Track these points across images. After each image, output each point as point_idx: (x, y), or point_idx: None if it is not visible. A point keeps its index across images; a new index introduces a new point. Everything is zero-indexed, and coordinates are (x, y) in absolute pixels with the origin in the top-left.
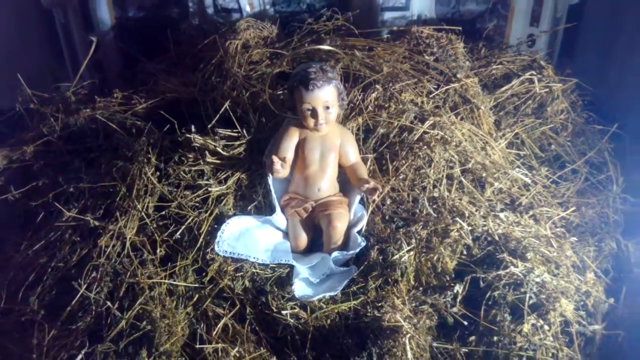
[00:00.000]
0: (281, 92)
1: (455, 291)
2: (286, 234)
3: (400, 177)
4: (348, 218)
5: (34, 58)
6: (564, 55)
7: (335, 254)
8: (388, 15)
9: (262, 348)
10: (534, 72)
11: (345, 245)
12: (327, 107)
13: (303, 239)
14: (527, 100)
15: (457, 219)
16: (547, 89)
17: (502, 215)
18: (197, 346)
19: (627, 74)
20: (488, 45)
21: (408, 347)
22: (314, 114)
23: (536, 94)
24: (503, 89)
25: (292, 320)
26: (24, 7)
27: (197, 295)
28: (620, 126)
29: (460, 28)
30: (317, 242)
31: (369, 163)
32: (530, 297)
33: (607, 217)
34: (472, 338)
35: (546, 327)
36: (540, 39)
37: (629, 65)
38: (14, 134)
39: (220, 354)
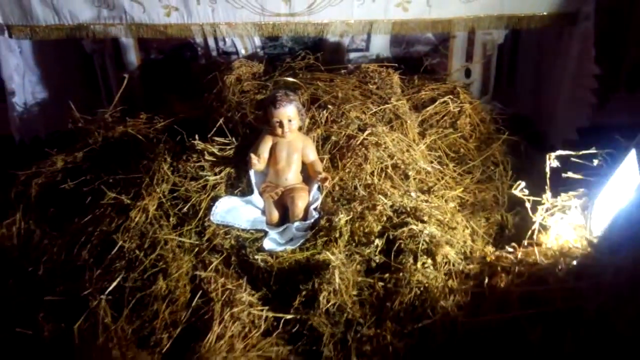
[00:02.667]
0: (260, 112)
1: (376, 244)
2: (263, 212)
3: (346, 171)
4: (307, 199)
5: (76, 92)
6: (505, 84)
7: (296, 223)
8: (352, 55)
9: (241, 281)
10: (451, 97)
11: (304, 218)
12: (290, 120)
13: (275, 215)
14: (444, 117)
15: (382, 197)
16: (459, 109)
17: (413, 194)
18: (197, 273)
19: (545, 97)
20: (430, 77)
21: (336, 275)
22: (281, 125)
23: (451, 112)
24: (428, 108)
25: (262, 264)
26: (69, 53)
27: (197, 249)
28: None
29: (400, 66)
30: (285, 219)
31: (324, 161)
32: (423, 244)
33: (497, 199)
34: (386, 275)
35: (432, 265)
36: (475, 71)
37: (546, 90)
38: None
39: (212, 282)
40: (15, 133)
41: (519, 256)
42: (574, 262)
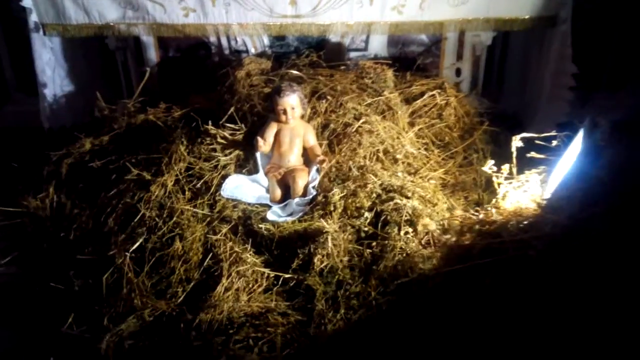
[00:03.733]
0: (267, 102)
1: (365, 217)
2: (267, 189)
3: (342, 155)
4: (307, 179)
5: (98, 86)
6: (496, 81)
7: (297, 199)
8: (352, 54)
9: (246, 246)
10: (439, 91)
11: (304, 195)
12: (293, 108)
13: (278, 192)
14: (431, 108)
15: (373, 177)
16: (445, 102)
17: (400, 174)
18: (208, 236)
19: (529, 95)
20: (422, 74)
21: (329, 240)
22: (285, 112)
23: (438, 104)
24: (417, 101)
25: (265, 232)
26: (93, 50)
27: (208, 219)
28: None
29: (395, 64)
30: (287, 197)
31: (323, 146)
32: (406, 216)
33: (476, 181)
34: (374, 243)
35: (413, 234)
36: (465, 70)
37: (530, 88)
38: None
39: (221, 245)
40: (45, 121)
41: (480, 217)
42: (525, 221)
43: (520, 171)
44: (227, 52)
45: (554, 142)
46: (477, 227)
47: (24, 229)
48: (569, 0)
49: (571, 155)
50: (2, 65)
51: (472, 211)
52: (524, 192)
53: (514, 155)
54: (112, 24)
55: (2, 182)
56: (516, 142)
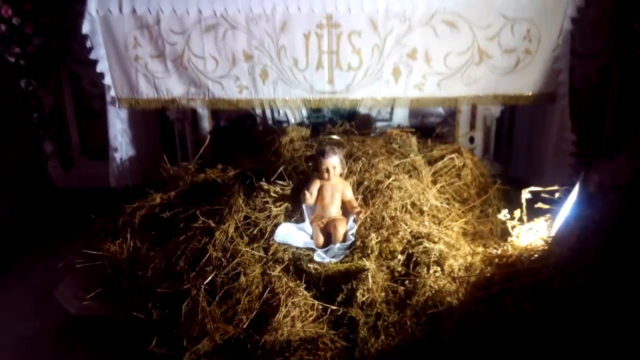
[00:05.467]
0: (310, 163)
1: (399, 259)
2: (311, 236)
3: (376, 207)
4: (346, 227)
5: (156, 152)
6: (506, 147)
7: (338, 245)
8: (379, 124)
9: (298, 282)
10: (456, 154)
11: (344, 241)
12: (334, 167)
13: (321, 239)
14: (451, 169)
15: (403, 225)
16: (462, 163)
17: (426, 224)
18: (268, 272)
19: (535, 160)
20: (440, 141)
21: (370, 277)
22: (327, 171)
23: (456, 166)
24: (438, 163)
25: (313, 271)
26: (152, 120)
27: (264, 259)
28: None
29: (415, 132)
30: (329, 243)
31: (358, 200)
32: (434, 257)
33: (492, 230)
34: (407, 281)
35: (440, 272)
36: (477, 138)
37: (536, 154)
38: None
39: (277, 280)
40: (113, 181)
41: (499, 252)
42: (535, 254)
43: (529, 219)
44: (270, 122)
45: (557, 195)
46: (496, 260)
47: (105, 270)
48: (566, 79)
49: (570, 203)
50: (70, 133)
51: (491, 248)
52: (534, 233)
53: (524, 204)
54: (176, 98)
55: (83, 231)
56: (525, 194)
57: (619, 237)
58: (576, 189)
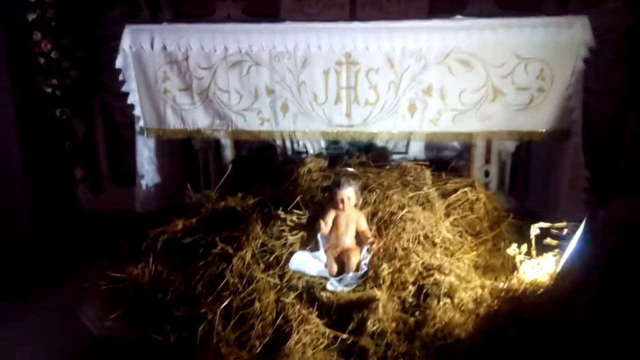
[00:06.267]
0: (326, 193)
1: (409, 290)
2: (325, 265)
3: (389, 238)
4: (359, 257)
5: (179, 179)
6: (522, 182)
7: (351, 274)
8: (395, 157)
9: (310, 309)
10: (470, 188)
11: (357, 271)
12: (349, 198)
13: (335, 268)
14: (464, 202)
15: (415, 256)
16: (476, 197)
17: (438, 256)
18: (281, 299)
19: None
20: (455, 174)
21: (380, 307)
22: (342, 201)
23: (470, 199)
24: (452, 196)
25: (325, 299)
26: (177, 149)
27: (279, 287)
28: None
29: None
30: (342, 272)
31: (372, 230)
32: (444, 289)
33: (504, 264)
34: (417, 312)
35: (450, 305)
36: (492, 172)
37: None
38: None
39: (290, 307)
40: (138, 207)
41: (505, 287)
42: (540, 289)
43: (538, 254)
44: (289, 152)
45: (565, 231)
46: (502, 294)
47: (127, 292)
48: (579, 117)
49: (576, 240)
50: (100, 160)
51: (499, 282)
52: (540, 268)
53: (533, 239)
54: (201, 129)
55: (108, 254)
56: (534, 229)
57: (620, 274)
58: (582, 226)
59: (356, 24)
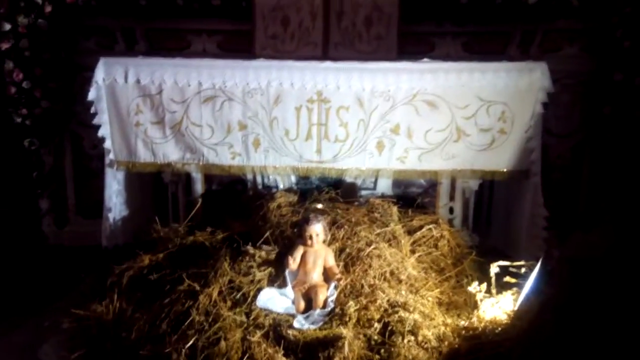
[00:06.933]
0: (295, 229)
1: (375, 327)
2: (293, 301)
3: (356, 274)
4: (326, 293)
5: (148, 212)
6: (485, 219)
7: (318, 310)
8: (364, 192)
9: (277, 348)
10: (434, 225)
11: (324, 308)
12: (317, 235)
13: (302, 304)
14: (429, 239)
15: (381, 293)
16: (440, 234)
17: (403, 293)
18: (248, 338)
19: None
20: (421, 211)
21: (346, 345)
22: (311, 238)
23: (434, 236)
24: (417, 233)
25: (292, 338)
26: (146, 182)
27: (246, 324)
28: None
29: (399, 202)
30: (310, 308)
31: (340, 266)
32: (408, 327)
33: (467, 301)
34: (382, 349)
35: (414, 342)
36: (457, 209)
37: (513, 227)
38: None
39: (256, 346)
40: (104, 241)
41: (466, 325)
42: (499, 327)
43: (498, 292)
44: (260, 187)
45: (523, 270)
46: (463, 332)
47: (90, 330)
48: (538, 158)
49: (533, 279)
50: (67, 192)
51: (460, 320)
52: (499, 307)
53: (493, 278)
54: (172, 163)
55: (72, 290)
56: (494, 268)
57: (574, 312)
58: (538, 265)
59: (328, 64)
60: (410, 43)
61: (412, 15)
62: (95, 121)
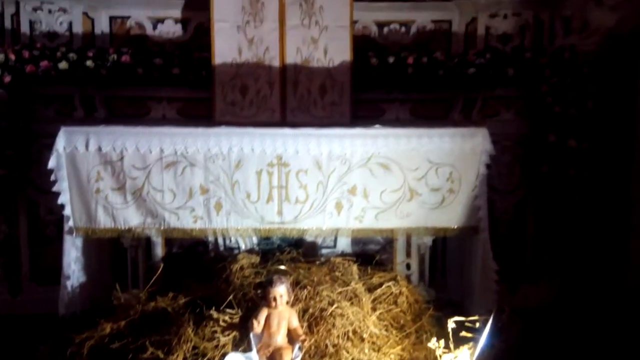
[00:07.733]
0: (259, 291)
1: None
2: None
3: (319, 334)
4: (291, 355)
5: (106, 278)
6: (440, 274)
7: None
8: (324, 251)
9: None
10: (393, 282)
11: None
12: (281, 296)
13: None
14: (389, 296)
15: (345, 353)
16: (399, 291)
17: (366, 351)
18: None
19: (466, 285)
20: (380, 268)
21: None
22: (275, 299)
23: (393, 293)
24: (377, 290)
25: None
26: (104, 247)
27: None
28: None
29: (358, 260)
30: None
31: (303, 327)
32: None
33: (427, 356)
34: None
35: None
36: (413, 265)
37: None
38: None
39: None
40: (62, 308)
41: None
42: None
43: (456, 347)
44: (221, 248)
45: (477, 324)
46: None
47: None
48: (485, 215)
49: (486, 334)
50: (21, 260)
51: None
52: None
53: (450, 333)
54: (132, 228)
55: None
56: (450, 324)
57: None
58: (490, 320)
59: (287, 130)
60: (363, 108)
61: (363, 83)
62: (55, 188)
